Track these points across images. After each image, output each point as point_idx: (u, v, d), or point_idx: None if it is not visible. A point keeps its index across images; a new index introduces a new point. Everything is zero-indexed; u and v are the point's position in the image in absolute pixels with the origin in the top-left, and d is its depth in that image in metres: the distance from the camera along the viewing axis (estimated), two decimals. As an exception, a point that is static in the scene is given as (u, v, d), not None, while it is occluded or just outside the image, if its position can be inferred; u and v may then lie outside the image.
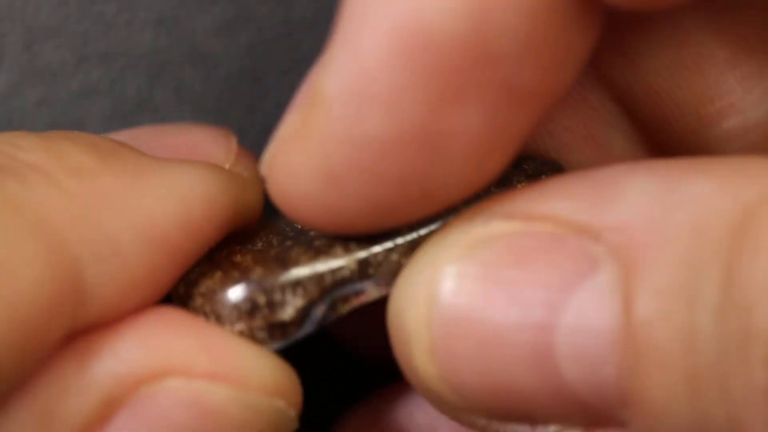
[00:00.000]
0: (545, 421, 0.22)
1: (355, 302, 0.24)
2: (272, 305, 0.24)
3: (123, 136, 0.25)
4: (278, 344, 0.24)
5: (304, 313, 0.24)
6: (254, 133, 0.32)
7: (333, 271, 0.24)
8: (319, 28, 0.28)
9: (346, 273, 0.24)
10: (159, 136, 0.26)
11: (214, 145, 0.26)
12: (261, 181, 0.25)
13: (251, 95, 0.32)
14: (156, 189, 0.23)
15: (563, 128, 0.27)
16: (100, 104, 0.31)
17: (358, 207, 0.23)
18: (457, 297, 0.22)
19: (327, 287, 0.24)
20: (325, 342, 0.30)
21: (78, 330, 0.23)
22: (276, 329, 0.24)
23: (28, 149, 0.23)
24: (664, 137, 0.27)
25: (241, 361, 0.24)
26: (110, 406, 0.24)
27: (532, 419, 0.22)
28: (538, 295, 0.21)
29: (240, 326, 0.24)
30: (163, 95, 0.31)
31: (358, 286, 0.24)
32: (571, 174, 0.22)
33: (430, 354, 0.22)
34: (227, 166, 0.26)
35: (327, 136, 0.22)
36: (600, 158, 0.27)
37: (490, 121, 0.22)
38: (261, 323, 0.24)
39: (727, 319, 0.20)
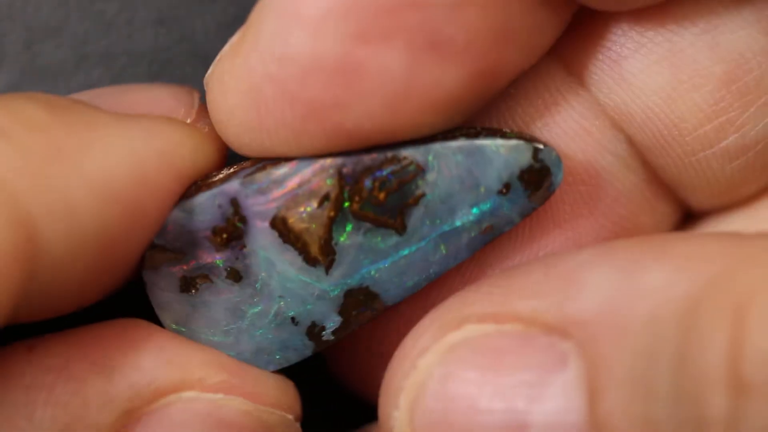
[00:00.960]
0: None
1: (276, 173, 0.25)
2: (209, 177, 0.25)
3: (84, 96, 0.25)
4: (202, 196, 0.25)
5: (233, 174, 0.25)
6: (255, 132, 0.32)
7: None
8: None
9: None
10: (120, 94, 0.26)
11: (175, 101, 0.26)
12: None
13: (251, 94, 0.32)
14: (109, 143, 0.23)
15: (565, 157, 0.27)
16: (101, 103, 0.31)
17: (277, 129, 0.24)
18: (436, 401, 0.23)
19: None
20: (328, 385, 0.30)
21: (34, 293, 0.22)
22: (202, 186, 0.25)
23: None
24: (662, 161, 0.27)
25: (253, 376, 0.25)
26: (129, 417, 0.24)
27: None
28: (514, 395, 0.22)
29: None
30: (164, 94, 0.32)
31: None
32: (536, 265, 0.23)
33: None
34: (188, 121, 0.26)
35: (254, 52, 0.23)
36: (597, 185, 0.27)
37: (409, 67, 0.23)
38: (192, 191, 0.25)
39: (681, 409, 0.20)
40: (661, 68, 0.26)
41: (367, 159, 0.25)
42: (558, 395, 0.22)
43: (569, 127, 0.27)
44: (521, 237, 0.27)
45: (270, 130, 0.24)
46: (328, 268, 0.25)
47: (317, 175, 0.25)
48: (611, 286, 0.22)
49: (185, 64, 0.31)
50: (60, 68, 0.31)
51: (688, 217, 0.29)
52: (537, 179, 0.25)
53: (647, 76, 0.26)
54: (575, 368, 0.22)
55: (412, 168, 0.25)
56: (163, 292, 0.25)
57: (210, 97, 0.25)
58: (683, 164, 0.27)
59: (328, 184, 0.25)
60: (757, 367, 0.19)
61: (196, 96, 0.26)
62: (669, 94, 0.26)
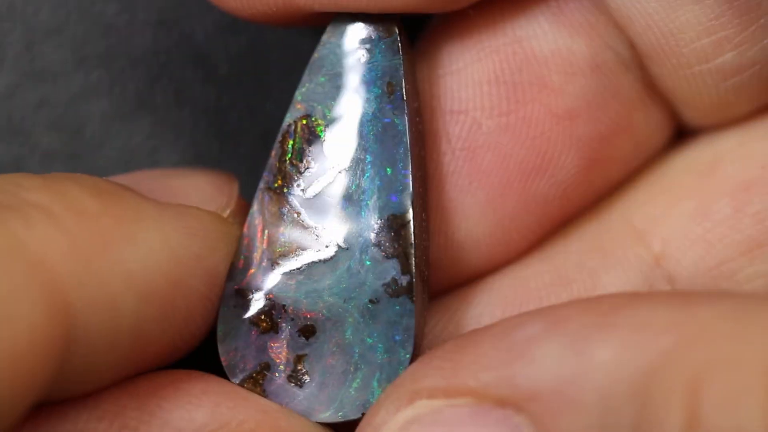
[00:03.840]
0: None
1: None
2: None
3: (126, 179, 0.26)
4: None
5: None
6: (254, 133, 0.32)
7: None
8: (319, 29, 0.28)
9: None
10: (161, 180, 0.26)
11: (215, 189, 0.26)
12: None
13: (251, 95, 0.32)
14: (152, 239, 0.24)
15: (569, 49, 0.27)
16: (100, 104, 0.31)
17: None
18: None
19: None
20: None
21: (65, 377, 0.22)
22: None
23: (31, 188, 0.23)
24: (658, 70, 0.27)
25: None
26: None
27: None
28: None
29: None
30: (163, 96, 0.32)
31: None
32: (484, 336, 0.23)
33: None
34: (227, 212, 0.26)
35: None
36: (601, 84, 0.27)
37: None
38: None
39: None
40: None
41: (273, 161, 0.26)
42: None
43: (575, 20, 0.27)
44: (517, 130, 0.27)
45: None
46: (341, 247, 0.26)
47: (260, 209, 0.26)
48: (561, 360, 0.22)
49: (185, 65, 0.32)
50: (60, 69, 0.31)
51: (680, 135, 0.29)
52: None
53: None
54: None
55: (301, 123, 0.26)
56: (295, 402, 0.26)
57: None
58: (678, 76, 0.27)
59: (273, 204, 0.26)
60: None
61: (235, 186, 0.27)
62: (669, 3, 0.26)
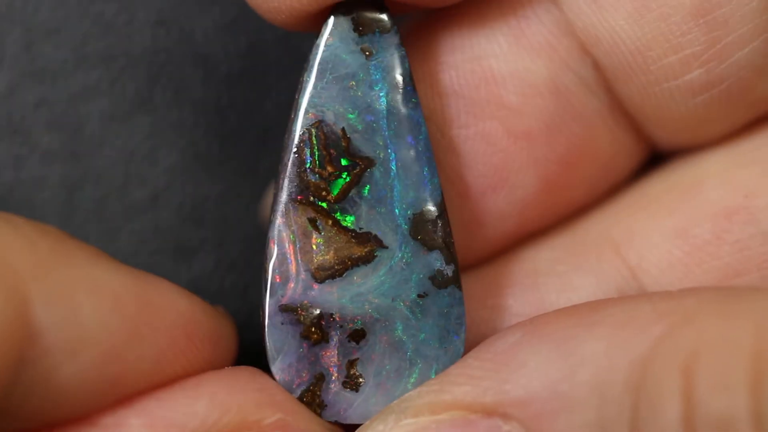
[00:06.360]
0: None
1: None
2: None
3: None
4: None
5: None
6: (254, 133, 0.32)
7: None
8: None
9: None
10: None
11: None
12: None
13: (251, 95, 0.32)
14: (119, 267, 0.24)
15: (528, 70, 0.27)
16: (100, 104, 0.31)
17: None
18: None
19: None
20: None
21: (28, 389, 0.22)
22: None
23: None
24: (627, 89, 0.27)
25: (305, 415, 0.25)
26: None
27: None
28: None
29: None
30: (163, 95, 0.32)
31: None
32: (470, 355, 0.24)
33: None
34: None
35: None
36: (555, 101, 0.27)
37: None
38: None
39: None
40: None
41: (292, 171, 0.26)
42: None
43: (536, 41, 0.27)
44: (475, 145, 0.27)
45: None
46: (380, 247, 0.26)
47: (286, 221, 0.26)
48: (548, 361, 0.22)
49: (185, 64, 0.32)
50: (59, 69, 0.31)
51: (655, 159, 0.29)
52: (368, 20, 0.26)
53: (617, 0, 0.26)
54: None
55: (316, 129, 0.26)
56: (353, 407, 0.26)
57: None
58: (647, 94, 0.27)
59: (300, 214, 0.26)
60: (712, 427, 0.20)
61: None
62: (637, 21, 0.26)
